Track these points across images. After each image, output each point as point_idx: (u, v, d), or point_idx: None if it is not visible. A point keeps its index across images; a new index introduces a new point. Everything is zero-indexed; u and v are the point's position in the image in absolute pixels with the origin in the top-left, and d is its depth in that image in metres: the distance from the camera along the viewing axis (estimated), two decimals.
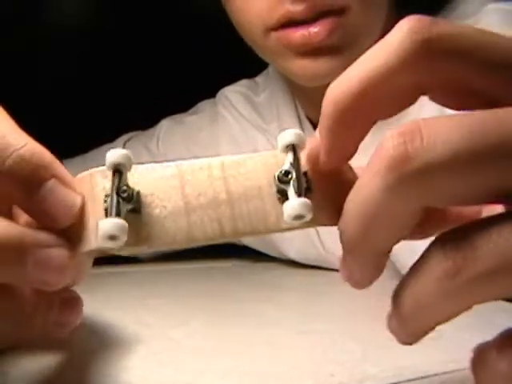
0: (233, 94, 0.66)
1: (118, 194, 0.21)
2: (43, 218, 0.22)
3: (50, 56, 0.85)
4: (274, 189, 0.22)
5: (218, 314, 0.40)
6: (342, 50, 0.46)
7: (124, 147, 0.67)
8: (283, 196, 0.21)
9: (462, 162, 0.17)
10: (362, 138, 0.21)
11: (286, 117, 0.60)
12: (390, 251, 0.21)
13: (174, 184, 0.22)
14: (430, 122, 0.18)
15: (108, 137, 0.70)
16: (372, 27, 0.47)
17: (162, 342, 0.32)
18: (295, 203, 0.20)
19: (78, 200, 0.22)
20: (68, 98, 0.84)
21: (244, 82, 0.68)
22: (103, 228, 0.20)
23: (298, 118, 0.59)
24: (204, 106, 0.69)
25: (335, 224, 0.21)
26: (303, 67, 0.46)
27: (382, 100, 0.20)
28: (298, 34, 0.45)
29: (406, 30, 0.20)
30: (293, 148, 0.21)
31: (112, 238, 0.20)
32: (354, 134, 0.21)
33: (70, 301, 0.25)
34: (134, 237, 0.21)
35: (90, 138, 0.67)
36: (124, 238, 0.20)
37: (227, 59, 0.80)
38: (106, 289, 0.46)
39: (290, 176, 0.21)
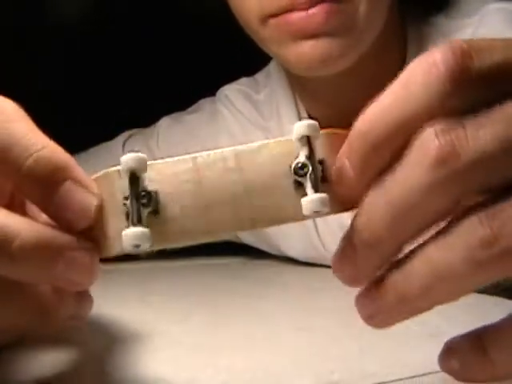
0: (232, 92, 0.66)
1: (137, 200, 0.21)
2: (61, 219, 0.22)
3: (50, 56, 0.85)
4: (291, 179, 0.22)
5: (217, 310, 0.40)
6: (340, 33, 0.45)
7: (124, 145, 0.67)
8: (300, 186, 0.22)
9: (505, 154, 0.18)
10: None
11: (286, 114, 0.60)
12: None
13: (191, 180, 0.22)
14: (470, 117, 0.19)
15: (108, 134, 0.70)
16: (373, 15, 0.47)
17: (161, 339, 0.32)
18: (313, 199, 0.21)
19: (94, 201, 0.22)
20: (68, 96, 0.84)
21: (244, 80, 0.67)
22: (127, 238, 0.20)
23: (298, 115, 0.59)
24: (204, 104, 0.69)
25: (348, 210, 0.22)
26: (301, 53, 0.46)
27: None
28: (297, 17, 0.44)
29: (441, 66, 0.19)
30: (307, 139, 0.22)
31: (136, 246, 0.20)
32: (382, 165, 0.21)
33: (82, 295, 0.25)
34: (156, 237, 0.21)
35: (89, 135, 0.67)
36: (147, 245, 0.21)
37: (227, 57, 0.80)
38: (105, 286, 0.46)
39: (305, 169, 0.21)
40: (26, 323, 0.25)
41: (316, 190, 0.21)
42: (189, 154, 0.22)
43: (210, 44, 0.85)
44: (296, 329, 0.34)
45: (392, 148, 0.20)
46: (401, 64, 0.53)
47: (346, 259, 0.22)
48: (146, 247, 0.21)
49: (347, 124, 0.22)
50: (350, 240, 0.21)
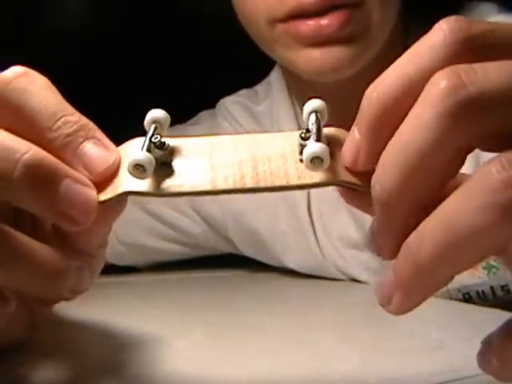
0: (232, 104, 0.66)
1: (150, 139, 0.23)
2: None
3: (49, 57, 0.85)
4: (297, 153, 0.23)
5: (218, 324, 0.40)
6: (352, 40, 0.45)
7: None
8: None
9: None
10: None
11: (286, 127, 0.60)
12: (424, 211, 0.19)
13: (205, 147, 0.24)
14: (481, 63, 0.19)
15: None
16: (384, 22, 0.47)
17: (162, 353, 0.32)
18: (313, 145, 0.22)
19: (112, 156, 0.24)
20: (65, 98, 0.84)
21: (244, 92, 0.68)
22: (132, 156, 0.22)
23: (299, 127, 0.59)
24: (204, 116, 0.69)
25: (358, 184, 0.22)
26: (311, 60, 0.45)
27: None
28: (308, 26, 0.44)
29: (446, 30, 0.20)
30: (315, 113, 0.23)
31: (139, 167, 0.22)
32: (389, 131, 0.20)
33: (82, 268, 0.26)
34: (162, 182, 0.23)
35: None
36: (150, 172, 0.22)
37: (228, 68, 0.80)
38: (105, 299, 0.46)
39: (311, 133, 0.23)
40: (33, 290, 0.25)
41: (317, 141, 0.22)
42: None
43: (210, 46, 0.85)
44: (297, 342, 0.34)
45: (398, 110, 0.20)
46: None
47: (375, 228, 0.21)
48: (147, 174, 0.22)
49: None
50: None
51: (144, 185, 0.23)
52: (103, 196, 0.23)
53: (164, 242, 0.66)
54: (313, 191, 0.57)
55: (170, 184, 0.23)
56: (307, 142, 0.22)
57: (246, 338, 0.36)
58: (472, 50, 0.20)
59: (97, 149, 0.24)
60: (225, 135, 0.25)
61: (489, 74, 0.19)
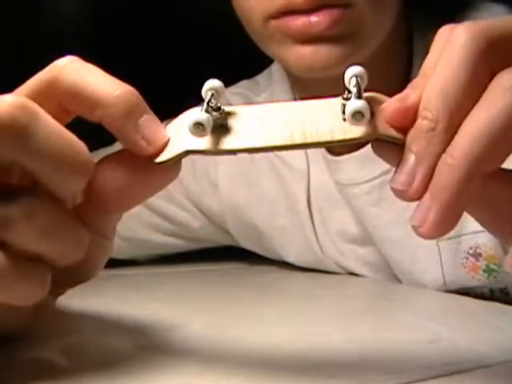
0: (232, 95, 0.65)
1: (208, 103, 0.25)
2: (137, 146, 0.25)
3: (49, 57, 0.85)
4: (340, 113, 0.25)
5: (217, 316, 0.40)
6: (343, 40, 0.45)
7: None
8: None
9: None
10: None
11: None
12: None
13: (257, 111, 0.26)
14: None
15: (106, 137, 0.70)
16: (377, 24, 0.47)
17: (160, 345, 0.32)
18: (354, 101, 0.24)
19: (165, 131, 0.26)
20: None
21: (244, 82, 0.67)
22: (192, 116, 0.24)
23: None
24: None
25: (396, 138, 0.24)
26: (301, 56, 0.45)
27: None
28: (299, 22, 0.44)
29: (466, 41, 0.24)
30: (356, 77, 0.25)
31: (199, 125, 0.24)
32: None
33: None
34: (219, 141, 0.25)
35: (88, 138, 0.67)
36: (208, 130, 0.24)
37: (227, 60, 0.80)
38: (104, 292, 0.46)
39: (352, 93, 0.25)
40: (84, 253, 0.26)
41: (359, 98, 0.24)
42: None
43: (209, 45, 0.85)
44: (295, 335, 0.34)
45: None
46: (407, 71, 0.52)
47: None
48: (206, 132, 0.24)
49: None
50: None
51: (203, 143, 0.25)
52: (164, 156, 0.25)
53: (164, 236, 0.66)
54: (312, 187, 0.58)
55: (226, 142, 0.25)
56: (349, 101, 0.24)
57: (245, 329, 0.36)
58: (494, 52, 0.23)
59: (155, 123, 0.26)
60: (275, 102, 0.26)
61: None
